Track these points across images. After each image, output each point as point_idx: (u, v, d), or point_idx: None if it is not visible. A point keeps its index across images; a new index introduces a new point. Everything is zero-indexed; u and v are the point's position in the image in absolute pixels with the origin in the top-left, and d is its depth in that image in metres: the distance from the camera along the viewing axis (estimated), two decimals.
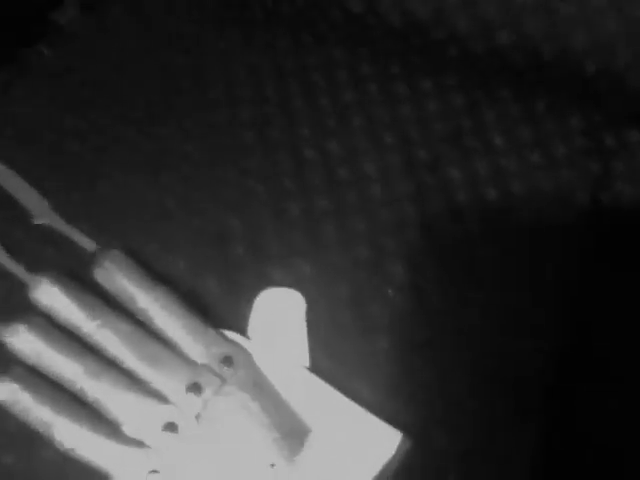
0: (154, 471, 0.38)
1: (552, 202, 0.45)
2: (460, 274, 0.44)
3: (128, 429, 0.39)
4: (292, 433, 0.39)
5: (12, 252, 0.45)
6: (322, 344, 0.43)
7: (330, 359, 0.42)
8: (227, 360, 0.40)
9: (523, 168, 0.46)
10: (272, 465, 0.38)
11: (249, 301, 0.43)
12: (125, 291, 0.43)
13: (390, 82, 0.50)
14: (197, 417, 0.38)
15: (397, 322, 0.42)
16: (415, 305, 0.43)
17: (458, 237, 0.45)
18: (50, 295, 0.42)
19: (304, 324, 0.42)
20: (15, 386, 0.40)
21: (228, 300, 0.44)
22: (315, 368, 0.42)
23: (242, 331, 0.42)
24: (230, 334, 0.42)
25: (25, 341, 0.41)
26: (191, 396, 0.39)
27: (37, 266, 0.44)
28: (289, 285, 0.44)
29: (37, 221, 0.46)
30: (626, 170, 0.45)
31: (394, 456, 0.39)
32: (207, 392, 0.39)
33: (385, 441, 0.39)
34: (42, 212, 0.47)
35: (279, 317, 0.43)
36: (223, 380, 0.39)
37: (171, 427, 0.38)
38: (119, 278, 0.43)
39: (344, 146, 0.47)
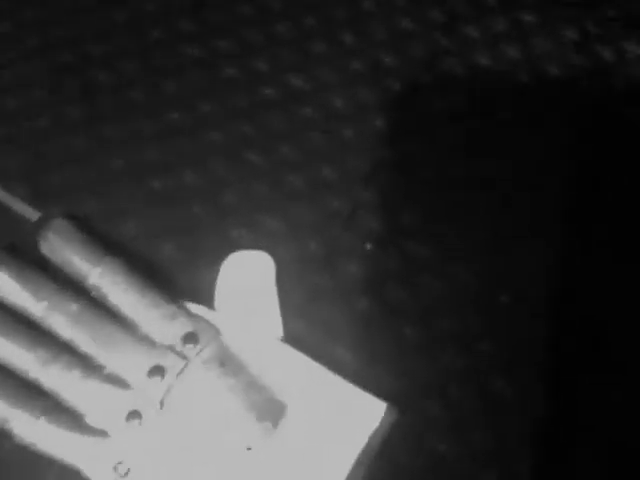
0: (120, 462, 0.35)
1: (549, 123, 0.41)
2: (443, 224, 0.40)
3: (90, 419, 0.35)
4: (267, 412, 0.36)
5: None
6: (295, 310, 0.39)
7: (305, 326, 0.39)
8: (190, 337, 0.36)
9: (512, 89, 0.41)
10: (248, 448, 0.35)
11: (212, 267, 0.39)
12: (73, 266, 0.38)
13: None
14: (161, 403, 0.35)
15: (376, 280, 0.39)
16: (396, 260, 0.39)
17: (441, 183, 0.41)
18: None
19: (275, 290, 0.39)
20: None
21: (188, 267, 0.40)
22: (289, 337, 0.38)
23: (206, 302, 0.39)
24: (193, 307, 0.38)
25: None
26: (153, 380, 0.35)
27: None
28: (255, 246, 0.40)
29: None
30: (625, 87, 0.41)
31: (379, 428, 0.36)
32: (170, 375, 0.35)
33: (369, 413, 0.36)
34: None
35: (248, 284, 0.39)
36: (187, 360, 0.36)
37: (135, 415, 0.35)
38: (65, 251, 0.39)
39: (309, 81, 0.43)
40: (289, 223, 0.41)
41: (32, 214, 0.41)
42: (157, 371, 0.36)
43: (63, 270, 0.39)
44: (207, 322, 0.37)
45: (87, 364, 0.36)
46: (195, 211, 0.41)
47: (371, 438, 0.36)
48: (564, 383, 0.34)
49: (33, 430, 0.35)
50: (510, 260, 0.39)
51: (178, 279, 0.40)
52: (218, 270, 0.40)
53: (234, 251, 0.40)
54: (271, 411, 0.36)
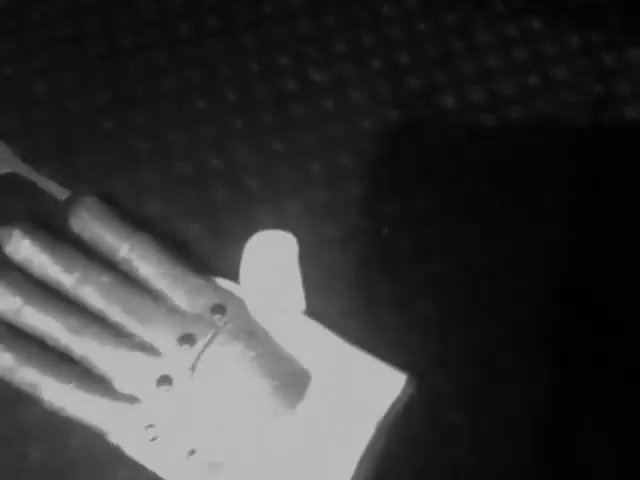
0: (150, 426, 0.36)
1: (552, 125, 0.44)
2: (455, 205, 0.42)
3: (120, 385, 0.37)
4: (292, 380, 0.37)
5: None
6: (315, 287, 0.41)
7: (324, 302, 0.40)
8: (219, 308, 0.38)
9: (521, 91, 0.44)
10: (274, 414, 0.36)
11: (237, 246, 0.41)
12: (104, 241, 0.40)
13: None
14: (191, 369, 0.37)
15: (393, 261, 0.41)
16: (410, 242, 0.41)
17: (454, 170, 0.43)
18: (23, 249, 0.39)
19: (297, 267, 0.40)
20: None
21: (214, 245, 0.42)
22: (310, 312, 0.40)
23: (232, 278, 0.40)
24: (220, 281, 0.40)
25: (2, 298, 0.38)
26: (184, 348, 0.37)
27: (6, 219, 0.41)
28: (276, 226, 0.42)
29: (2, 170, 0.43)
30: (627, 91, 0.44)
31: (399, 398, 0.37)
32: (200, 343, 0.37)
33: (389, 383, 0.37)
34: (5, 160, 0.43)
35: (272, 261, 0.40)
36: (216, 329, 0.37)
37: (165, 380, 0.36)
38: (97, 227, 0.40)
39: (329, 75, 0.45)
40: (309, 206, 0.42)
41: (62, 192, 0.42)
42: (187, 339, 0.37)
43: (93, 246, 0.41)
44: (234, 294, 0.39)
45: (117, 333, 0.38)
46: (219, 193, 0.43)
47: (391, 408, 0.37)
48: (569, 355, 0.36)
49: (62, 395, 0.37)
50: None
51: (204, 256, 0.41)
52: (242, 249, 0.41)
53: (257, 231, 0.42)
54: (296, 380, 0.37)
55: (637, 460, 0.36)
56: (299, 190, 0.43)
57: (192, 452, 0.36)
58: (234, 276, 0.41)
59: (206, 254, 0.41)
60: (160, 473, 0.36)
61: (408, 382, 0.38)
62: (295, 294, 0.40)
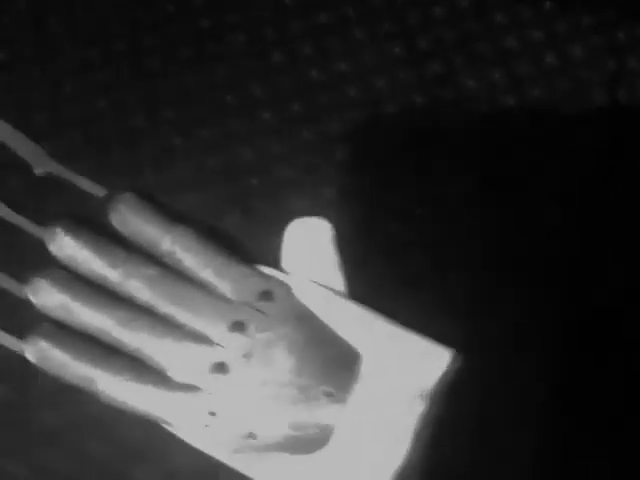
0: (209, 412, 0.37)
1: (569, 102, 0.45)
2: (479, 188, 0.43)
3: (176, 374, 0.37)
4: (343, 362, 0.38)
5: (16, 208, 0.42)
6: (354, 269, 0.42)
7: (365, 285, 0.41)
8: (266, 295, 0.39)
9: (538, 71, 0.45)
10: (329, 394, 0.37)
11: (273, 234, 0.42)
12: (145, 235, 0.40)
13: None
14: (245, 355, 0.37)
15: (428, 241, 0.42)
16: (444, 223, 0.42)
17: (475, 149, 0.44)
18: (66, 246, 0.40)
19: (335, 252, 0.41)
20: (45, 344, 0.38)
21: (253, 234, 0.43)
22: (351, 294, 0.41)
23: (272, 265, 0.41)
24: (264, 269, 0.40)
25: (49, 296, 0.39)
26: (236, 335, 0.38)
27: (46, 219, 0.42)
28: (310, 212, 0.43)
29: (37, 171, 0.44)
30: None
31: (445, 374, 0.38)
32: (251, 329, 0.38)
33: (436, 360, 0.38)
34: (40, 161, 0.44)
35: (311, 247, 0.41)
36: (265, 315, 0.38)
37: (221, 368, 0.37)
38: (137, 222, 0.41)
39: (352, 65, 0.46)
40: (340, 190, 0.43)
41: (98, 190, 0.43)
42: (237, 326, 0.38)
43: (134, 240, 0.41)
44: (279, 280, 0.39)
45: (167, 323, 0.38)
46: (253, 184, 0.44)
47: (438, 385, 0.38)
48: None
49: (118, 388, 0.37)
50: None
51: (244, 245, 0.42)
52: (279, 237, 0.42)
53: (291, 219, 0.42)
54: (347, 361, 0.38)
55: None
56: (331, 177, 0.44)
57: (251, 435, 0.37)
58: (274, 264, 0.41)
59: (245, 243, 0.42)
60: (219, 457, 0.37)
61: (454, 357, 0.38)
62: (335, 278, 0.41)
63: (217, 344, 0.38)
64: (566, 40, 0.46)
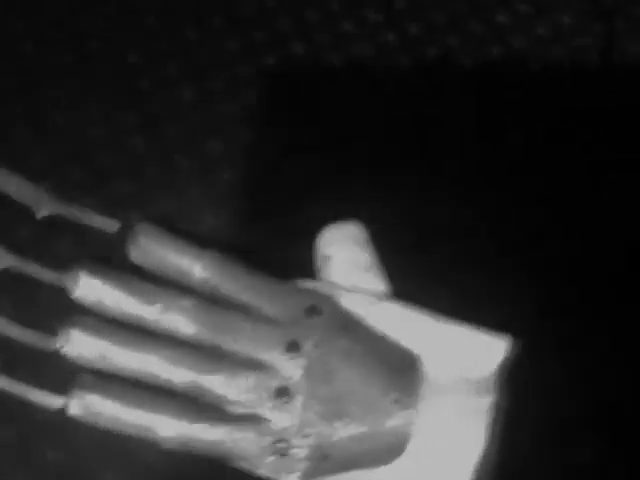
0: (279, 440, 0.35)
1: (564, 70, 0.45)
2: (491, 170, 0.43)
3: (235, 407, 0.36)
4: (405, 366, 0.37)
5: (26, 255, 0.39)
6: (392, 267, 0.40)
7: (404, 281, 0.40)
8: (313, 310, 0.37)
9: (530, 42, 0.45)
10: (398, 401, 0.36)
11: (307, 243, 0.40)
12: (173, 265, 0.38)
13: None
14: (306, 375, 0.36)
15: (459, 230, 0.41)
16: (479, 210, 0.41)
17: (482, 126, 0.43)
18: (93, 290, 0.37)
19: (373, 254, 0.40)
20: (92, 397, 0.35)
21: (282, 247, 0.41)
22: (395, 294, 0.40)
23: (309, 277, 0.40)
24: (303, 282, 0.39)
25: (84, 346, 0.36)
26: (292, 356, 0.36)
27: (62, 263, 0.39)
28: (342, 216, 0.41)
29: (40, 214, 0.41)
30: (629, 27, 0.45)
31: (504, 362, 0.38)
32: (307, 347, 0.36)
33: (493, 349, 0.38)
34: (41, 202, 0.41)
35: (348, 252, 0.40)
36: (317, 331, 0.37)
37: (282, 392, 0.35)
38: (162, 253, 0.38)
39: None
40: (374, 189, 0.42)
41: (110, 224, 0.40)
42: (292, 346, 0.36)
43: (160, 273, 0.39)
44: (322, 293, 0.38)
45: (218, 355, 0.37)
46: (274, 197, 0.42)
47: (500, 374, 0.37)
48: None
49: (178, 431, 0.35)
50: None
51: (276, 260, 0.40)
52: (309, 247, 0.40)
53: (318, 229, 0.41)
54: (408, 364, 0.37)
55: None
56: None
57: (325, 457, 0.35)
58: (308, 275, 0.40)
59: (276, 259, 0.41)
60: None
61: (511, 344, 0.38)
62: (378, 280, 0.40)
63: (275, 368, 0.36)
64: (555, 10, 0.46)
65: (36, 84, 0.43)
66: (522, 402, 0.37)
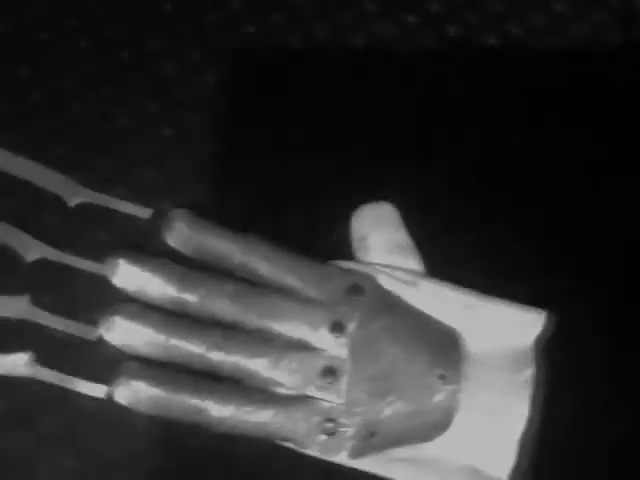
0: (327, 419, 0.35)
1: (585, 49, 0.45)
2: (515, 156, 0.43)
3: (282, 389, 0.36)
4: (447, 342, 0.37)
5: (61, 246, 0.39)
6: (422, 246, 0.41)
7: (438, 258, 0.41)
8: (355, 289, 0.37)
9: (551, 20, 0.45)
10: (443, 377, 0.36)
11: (340, 225, 0.40)
12: (212, 250, 0.38)
13: None
14: (352, 354, 0.36)
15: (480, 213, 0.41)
16: (498, 193, 0.41)
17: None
18: (134, 277, 0.37)
19: (406, 232, 0.40)
20: (139, 384, 0.35)
21: (315, 231, 0.41)
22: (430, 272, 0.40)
23: (346, 257, 0.40)
24: (342, 263, 0.39)
25: (129, 333, 0.36)
26: (336, 335, 0.36)
27: (97, 251, 0.39)
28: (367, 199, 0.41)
29: (71, 202, 0.40)
30: None
31: (542, 334, 0.38)
32: (351, 327, 0.36)
33: (531, 322, 0.38)
34: (73, 190, 0.40)
35: (382, 232, 0.40)
36: (360, 310, 0.37)
37: (329, 372, 0.36)
38: (200, 238, 0.38)
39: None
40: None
41: (143, 211, 0.40)
42: (336, 327, 0.36)
43: (197, 258, 0.39)
44: (363, 272, 0.38)
45: (262, 337, 0.37)
46: (303, 181, 0.42)
47: (539, 346, 0.38)
48: None
49: (227, 415, 0.35)
50: None
51: (310, 243, 0.40)
52: (341, 229, 0.41)
53: (350, 212, 0.41)
54: (450, 340, 0.37)
55: None
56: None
57: (372, 434, 0.36)
58: (344, 256, 0.40)
59: (310, 241, 0.41)
60: (344, 463, 0.36)
61: (548, 317, 0.38)
62: (412, 258, 0.40)
63: (320, 349, 0.36)
64: None
65: (54, 73, 0.42)
66: (560, 375, 0.38)
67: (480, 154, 0.43)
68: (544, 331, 0.38)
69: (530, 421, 0.36)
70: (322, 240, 0.41)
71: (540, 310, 0.38)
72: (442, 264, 0.40)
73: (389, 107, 0.44)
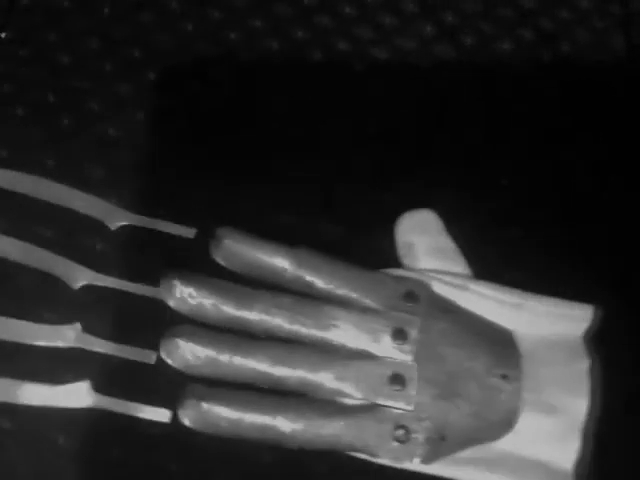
0: (400, 427, 0.35)
1: (589, 56, 0.47)
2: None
3: (351, 399, 0.36)
4: (502, 341, 0.38)
5: (106, 270, 0.38)
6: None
7: (480, 260, 0.41)
8: (410, 296, 0.37)
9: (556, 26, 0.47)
10: (505, 377, 0.37)
11: (383, 234, 0.41)
12: (264, 265, 0.38)
13: None
14: (416, 360, 0.36)
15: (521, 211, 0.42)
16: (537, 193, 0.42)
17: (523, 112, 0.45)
18: (190, 297, 0.37)
19: (449, 238, 0.41)
20: (207, 406, 0.35)
21: (358, 241, 0.41)
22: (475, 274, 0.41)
23: (394, 265, 0.40)
24: (393, 271, 0.39)
25: (189, 354, 0.36)
26: (399, 343, 0.36)
27: (148, 274, 0.38)
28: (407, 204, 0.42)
29: (114, 227, 0.39)
30: None
31: (590, 327, 0.39)
32: (412, 333, 0.37)
33: (580, 317, 0.39)
34: (115, 214, 0.40)
35: (428, 238, 0.40)
36: (419, 316, 0.37)
37: (397, 379, 0.36)
38: (250, 254, 0.38)
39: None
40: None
41: (187, 231, 0.40)
42: (398, 334, 0.37)
43: (248, 274, 0.38)
44: (415, 279, 0.38)
45: (324, 350, 0.37)
46: (339, 189, 0.42)
47: (587, 339, 0.39)
48: None
49: (302, 428, 0.35)
50: None
51: (356, 253, 0.40)
52: (380, 238, 0.41)
53: (389, 221, 0.41)
54: (504, 339, 0.38)
55: None
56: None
57: (442, 438, 0.36)
58: (388, 264, 0.40)
59: (355, 251, 0.41)
60: (416, 469, 0.36)
61: (595, 312, 0.39)
62: (458, 262, 0.40)
63: (385, 357, 0.36)
64: None
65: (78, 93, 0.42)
66: (612, 366, 0.39)
67: (509, 157, 0.44)
68: (592, 325, 0.39)
69: (590, 412, 0.37)
70: (361, 249, 0.41)
71: (587, 305, 0.39)
72: (485, 265, 0.41)
73: (412, 115, 0.45)
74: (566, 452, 0.36)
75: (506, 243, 0.42)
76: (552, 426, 0.37)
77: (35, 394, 0.36)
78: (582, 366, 0.38)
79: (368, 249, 0.41)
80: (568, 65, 0.47)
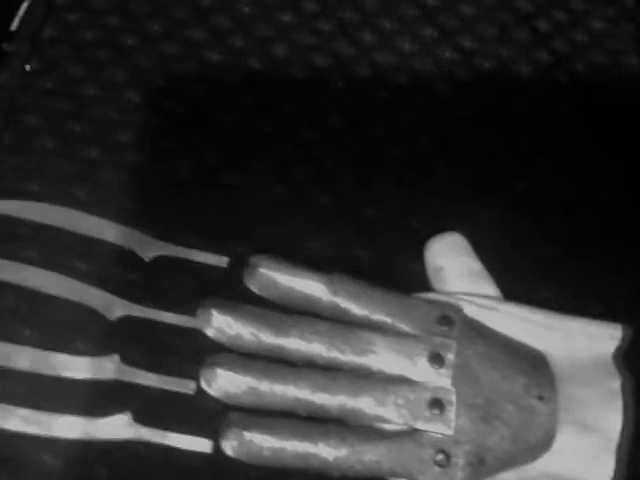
0: (440, 452, 0.36)
1: (606, 76, 0.47)
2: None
3: (391, 425, 0.36)
4: (537, 363, 0.38)
5: (143, 301, 0.38)
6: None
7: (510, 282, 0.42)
8: (445, 319, 0.38)
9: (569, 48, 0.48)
10: (541, 398, 0.37)
11: (413, 258, 0.41)
12: (299, 292, 0.38)
13: None
14: (453, 384, 0.37)
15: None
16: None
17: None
18: (227, 326, 0.37)
19: (478, 261, 0.41)
20: (250, 434, 0.35)
21: (388, 265, 0.42)
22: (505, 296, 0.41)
23: (425, 289, 0.40)
24: (424, 295, 0.40)
25: (229, 383, 0.36)
26: (437, 367, 0.37)
27: (183, 303, 0.38)
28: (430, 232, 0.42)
29: (148, 258, 0.40)
30: None
31: (620, 345, 0.40)
32: (449, 357, 0.37)
33: (609, 336, 0.40)
34: (148, 244, 0.40)
35: (458, 261, 0.41)
36: (455, 340, 0.38)
37: (436, 403, 0.36)
38: (286, 281, 0.38)
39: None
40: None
41: (220, 260, 0.40)
42: (435, 359, 0.37)
43: (283, 301, 0.39)
44: (448, 303, 0.39)
45: (363, 375, 0.37)
46: (367, 213, 0.42)
47: (618, 357, 0.39)
48: None
49: (345, 454, 0.35)
50: None
51: (384, 277, 0.41)
52: (410, 262, 0.41)
53: (416, 243, 0.42)
54: (539, 362, 0.38)
55: None
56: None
57: (482, 462, 0.36)
58: (421, 288, 0.41)
59: (384, 275, 0.41)
60: None
61: (624, 330, 0.40)
62: (488, 284, 0.41)
63: (423, 382, 0.37)
64: (586, 16, 0.49)
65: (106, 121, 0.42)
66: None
67: (534, 179, 0.44)
68: (622, 343, 0.40)
69: (623, 430, 0.37)
70: (392, 274, 0.42)
71: (616, 324, 0.40)
72: (514, 285, 0.42)
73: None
74: (602, 471, 0.37)
75: (533, 262, 0.43)
76: (587, 445, 0.37)
77: (75, 427, 0.36)
78: (614, 385, 0.38)
79: (398, 273, 0.42)
80: (584, 85, 0.48)
